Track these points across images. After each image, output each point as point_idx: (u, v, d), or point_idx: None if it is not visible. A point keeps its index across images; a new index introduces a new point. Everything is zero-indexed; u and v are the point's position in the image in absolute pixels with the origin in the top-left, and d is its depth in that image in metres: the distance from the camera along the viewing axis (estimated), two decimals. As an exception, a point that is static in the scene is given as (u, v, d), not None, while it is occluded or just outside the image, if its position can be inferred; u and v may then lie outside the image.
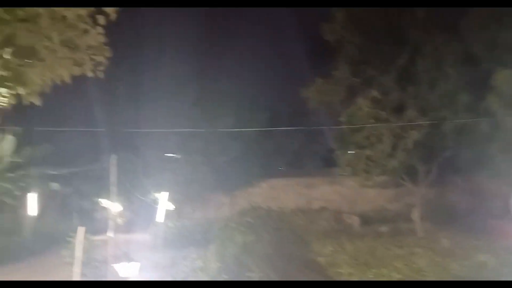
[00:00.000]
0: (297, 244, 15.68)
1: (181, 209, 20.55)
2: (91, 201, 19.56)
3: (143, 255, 13.41)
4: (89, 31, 4.64)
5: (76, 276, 10.12)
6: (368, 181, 18.14)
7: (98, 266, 12.08)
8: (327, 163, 25.02)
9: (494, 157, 15.22)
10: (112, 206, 12.51)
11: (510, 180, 15.54)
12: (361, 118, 16.80)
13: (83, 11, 4.49)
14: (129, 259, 10.99)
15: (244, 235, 12.45)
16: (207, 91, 22.74)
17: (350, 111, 17.14)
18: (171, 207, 15.41)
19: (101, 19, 4.65)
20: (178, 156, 23.50)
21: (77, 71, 4.79)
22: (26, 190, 16.92)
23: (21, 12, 4.10)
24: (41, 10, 4.16)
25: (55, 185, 19.79)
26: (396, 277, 12.17)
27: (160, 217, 13.70)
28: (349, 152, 18.08)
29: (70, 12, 4.37)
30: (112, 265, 10.94)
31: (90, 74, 4.90)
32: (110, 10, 4.61)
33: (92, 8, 4.53)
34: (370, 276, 12.37)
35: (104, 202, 13.04)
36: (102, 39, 4.77)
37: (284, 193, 23.75)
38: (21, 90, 4.47)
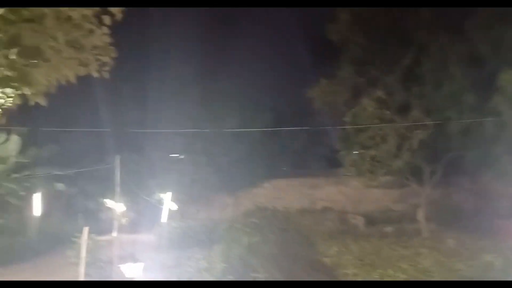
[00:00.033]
0: (302, 244, 15.63)
1: (186, 210, 20.58)
2: (96, 202, 19.66)
3: (148, 255, 13.45)
4: (95, 31, 4.63)
5: (81, 276, 10.16)
6: (372, 181, 18.12)
7: (103, 266, 12.13)
8: (331, 164, 24.89)
9: (499, 158, 15.14)
10: (116, 206, 12.55)
11: (515, 181, 15.46)
12: (366, 118, 16.76)
13: (88, 11, 4.48)
14: (134, 259, 11.01)
15: (249, 236, 12.41)
16: (212, 91, 22.77)
17: (355, 111, 17.10)
18: (176, 207, 15.47)
19: (106, 19, 4.63)
20: (183, 157, 23.57)
21: (82, 71, 4.78)
22: (31, 190, 16.95)
23: (26, 12, 4.10)
24: (46, 10, 4.16)
25: (60, 186, 19.86)
26: (401, 277, 12.13)
27: (164, 217, 13.73)
28: (353, 152, 18.03)
29: (75, 12, 4.37)
30: (117, 265, 10.98)
31: (95, 74, 4.89)
32: (115, 10, 4.60)
33: (97, 8, 4.52)
34: (375, 277, 12.33)
35: (109, 202, 13.10)
36: (107, 39, 4.75)
37: (288, 193, 23.69)
38: (26, 90, 4.48)
